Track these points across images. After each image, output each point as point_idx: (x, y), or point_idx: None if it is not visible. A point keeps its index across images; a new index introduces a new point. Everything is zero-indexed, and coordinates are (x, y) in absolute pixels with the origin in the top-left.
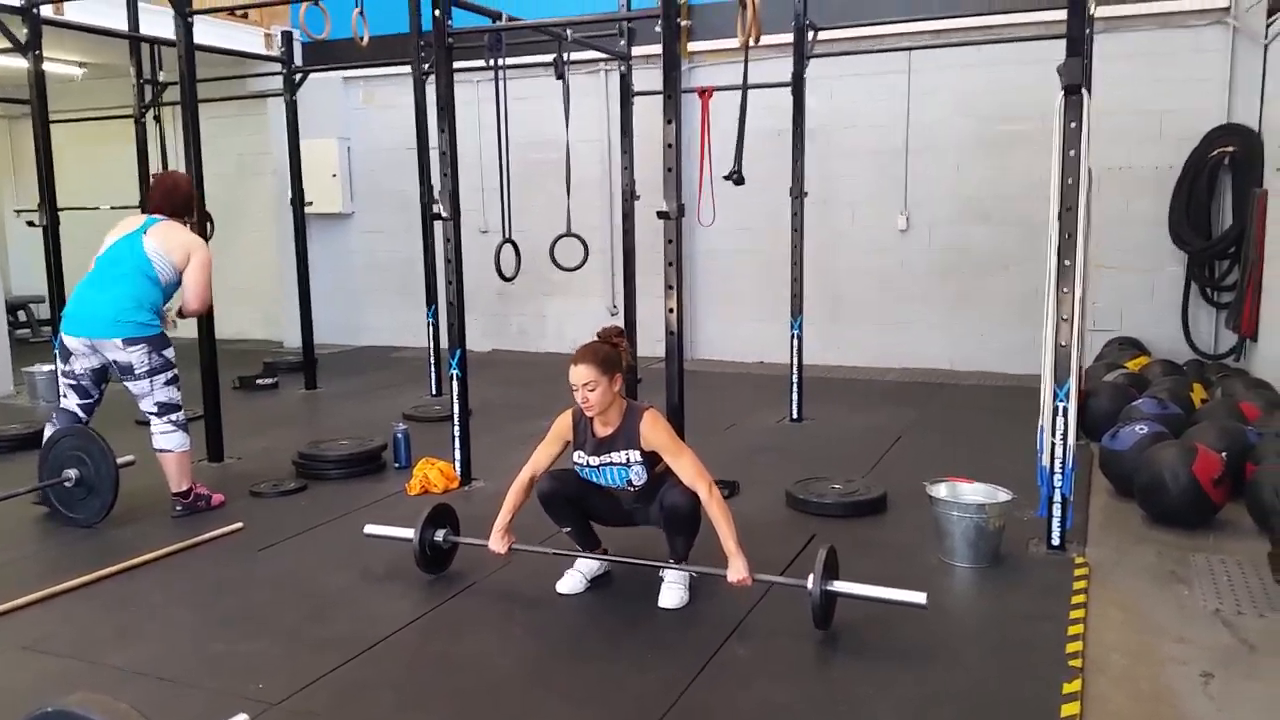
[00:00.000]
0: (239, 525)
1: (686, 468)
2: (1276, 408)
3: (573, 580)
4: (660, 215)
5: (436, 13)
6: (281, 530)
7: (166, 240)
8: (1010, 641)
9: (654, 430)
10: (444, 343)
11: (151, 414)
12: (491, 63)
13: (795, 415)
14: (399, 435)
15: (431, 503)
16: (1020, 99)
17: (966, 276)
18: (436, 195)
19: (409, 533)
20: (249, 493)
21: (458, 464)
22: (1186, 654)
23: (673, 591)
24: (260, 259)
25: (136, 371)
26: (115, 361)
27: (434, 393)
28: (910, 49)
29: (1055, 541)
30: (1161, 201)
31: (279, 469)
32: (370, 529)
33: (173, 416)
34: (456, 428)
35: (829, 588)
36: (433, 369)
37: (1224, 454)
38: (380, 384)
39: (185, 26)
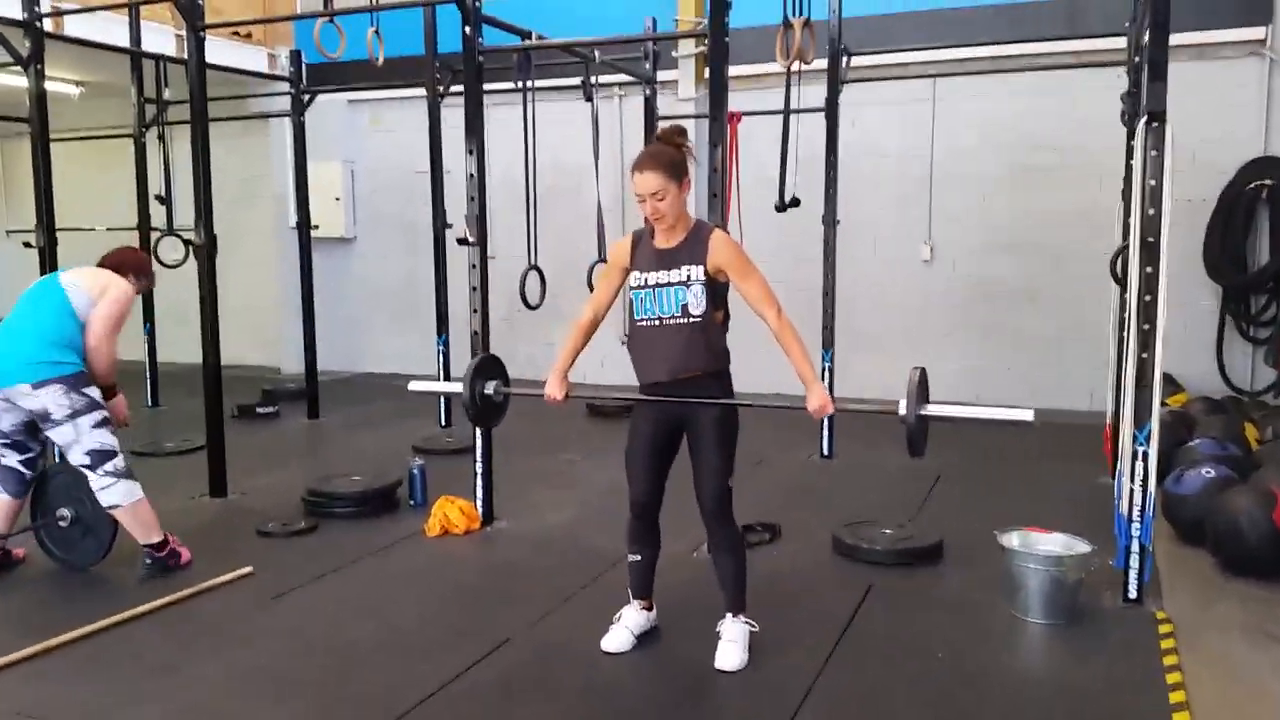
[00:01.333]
0: (249, 570)
1: (754, 289)
2: None
3: (620, 637)
4: None
5: (468, 29)
6: (295, 575)
7: (87, 276)
8: (1109, 713)
9: (724, 244)
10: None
11: (85, 467)
12: (519, 84)
13: (826, 452)
14: (415, 471)
15: (452, 542)
16: (1046, 129)
17: (992, 309)
18: (464, 219)
19: (457, 386)
20: (256, 533)
21: (479, 502)
22: None
23: (731, 651)
24: (258, 283)
25: (54, 417)
26: (32, 411)
27: (444, 424)
28: (935, 76)
29: (1132, 594)
30: (1192, 234)
31: (286, 506)
32: (415, 385)
33: (109, 466)
34: (479, 464)
35: (924, 412)
36: (442, 399)
37: None
38: (386, 414)
39: (197, 41)
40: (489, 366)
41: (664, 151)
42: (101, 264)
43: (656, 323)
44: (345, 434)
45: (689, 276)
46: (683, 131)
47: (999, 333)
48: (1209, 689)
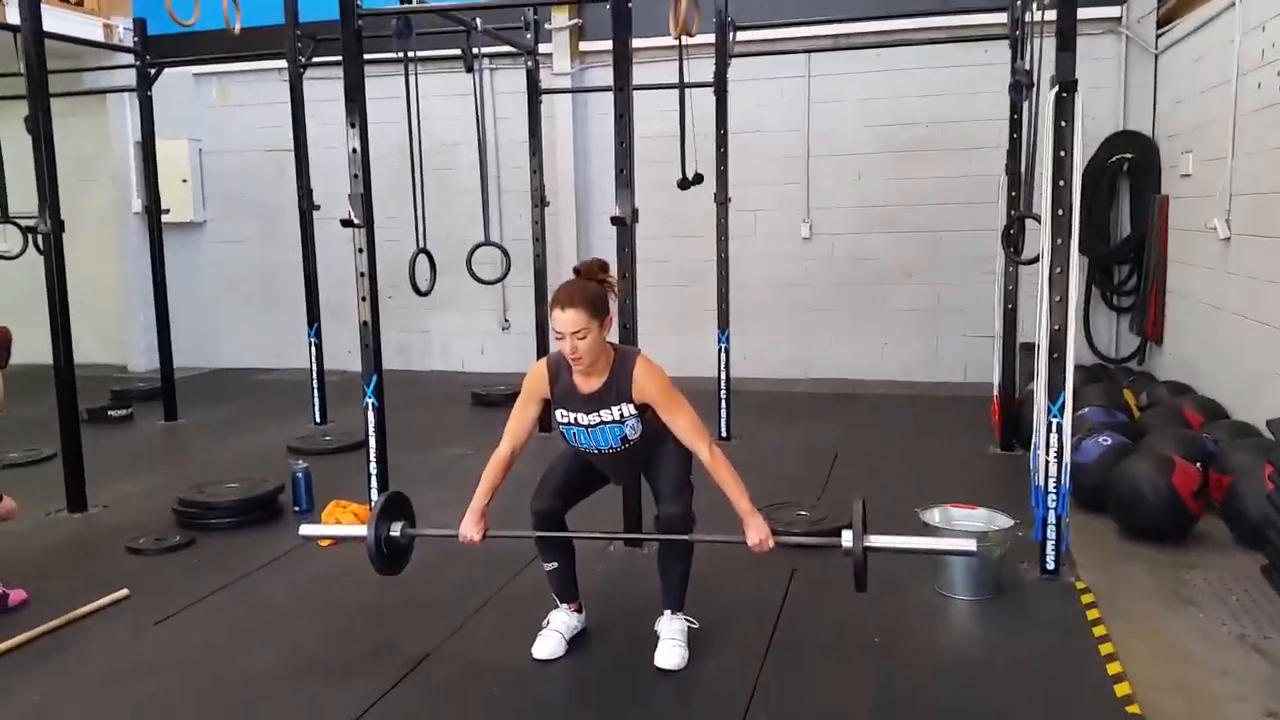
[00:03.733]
0: (124, 593)
1: (683, 425)
2: (1217, 413)
3: (551, 642)
4: (614, 221)
5: None
6: (176, 597)
7: None
8: (1055, 689)
9: (649, 379)
10: (332, 364)
11: None
12: (400, 52)
13: (724, 434)
14: (299, 475)
15: (347, 550)
16: (920, 106)
17: (869, 285)
18: (348, 199)
19: (360, 530)
20: (126, 550)
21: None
22: (1238, 690)
23: (673, 649)
24: (98, 274)
25: None
26: None
27: (317, 421)
28: (812, 51)
29: (1050, 566)
30: None
31: (155, 519)
32: (306, 530)
33: None
34: (374, 464)
35: (870, 543)
36: (316, 394)
37: (1198, 465)
38: (250, 412)
39: (32, 3)
40: (394, 506)
41: (585, 287)
42: None
43: (595, 452)
44: (209, 436)
45: (622, 414)
46: (605, 266)
47: (876, 308)
48: (1141, 656)
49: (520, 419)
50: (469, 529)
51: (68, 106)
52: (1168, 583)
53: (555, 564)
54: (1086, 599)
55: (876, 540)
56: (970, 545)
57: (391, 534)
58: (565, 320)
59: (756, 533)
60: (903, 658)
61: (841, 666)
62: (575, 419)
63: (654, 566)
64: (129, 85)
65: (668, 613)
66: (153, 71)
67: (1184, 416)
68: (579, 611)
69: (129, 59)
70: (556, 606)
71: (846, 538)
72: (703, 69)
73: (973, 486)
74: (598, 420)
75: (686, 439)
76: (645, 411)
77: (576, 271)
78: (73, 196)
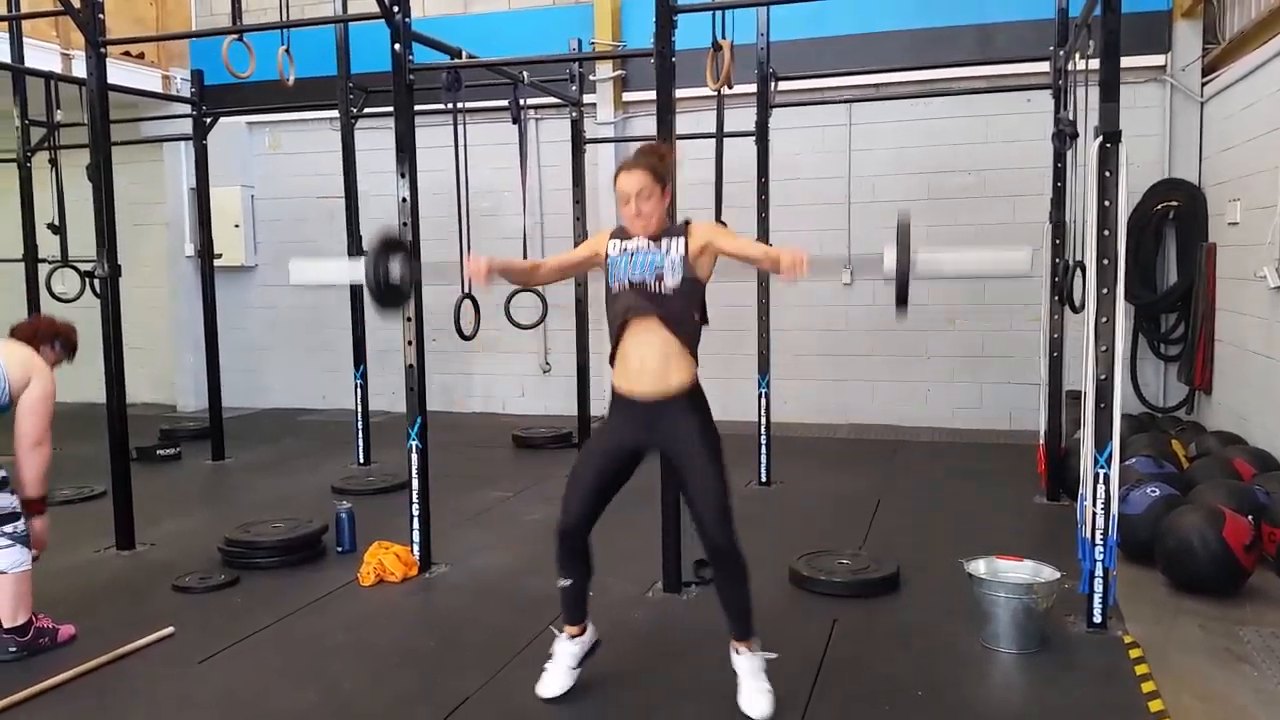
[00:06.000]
0: (169, 631)
1: (744, 243)
2: (1270, 464)
3: (557, 680)
4: None
5: (397, 47)
6: (219, 635)
7: (7, 354)
8: None
9: (704, 225)
10: (377, 405)
11: None
12: (449, 104)
13: (764, 479)
14: (342, 516)
15: (388, 591)
16: (962, 154)
17: (912, 331)
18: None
19: (358, 266)
20: (172, 588)
21: (416, 547)
22: None
23: (758, 696)
24: (150, 316)
25: None
26: None
27: (361, 461)
28: (850, 101)
29: (1097, 619)
30: None
31: (201, 557)
32: (297, 274)
33: (9, 528)
34: (416, 505)
35: (918, 259)
36: (360, 435)
37: (1250, 517)
38: (295, 452)
39: (98, 59)
40: (392, 246)
41: (652, 155)
42: (13, 334)
43: (627, 284)
44: (255, 476)
45: (668, 248)
46: (669, 149)
47: (919, 354)
48: (1192, 714)
49: (571, 254)
50: (478, 266)
51: (125, 154)
52: (1219, 638)
53: (571, 580)
54: (1135, 653)
55: (923, 260)
56: (1020, 254)
57: (391, 269)
58: (631, 180)
59: (789, 256)
60: (947, 711)
61: (885, 719)
62: (624, 247)
63: (693, 614)
64: (185, 134)
65: (743, 647)
66: (208, 121)
67: (1234, 468)
68: (583, 633)
69: (186, 109)
70: (558, 635)
71: (888, 256)
72: (743, 117)
73: (1018, 537)
74: (645, 247)
75: (755, 251)
76: (696, 263)
77: (642, 151)
78: (127, 241)
